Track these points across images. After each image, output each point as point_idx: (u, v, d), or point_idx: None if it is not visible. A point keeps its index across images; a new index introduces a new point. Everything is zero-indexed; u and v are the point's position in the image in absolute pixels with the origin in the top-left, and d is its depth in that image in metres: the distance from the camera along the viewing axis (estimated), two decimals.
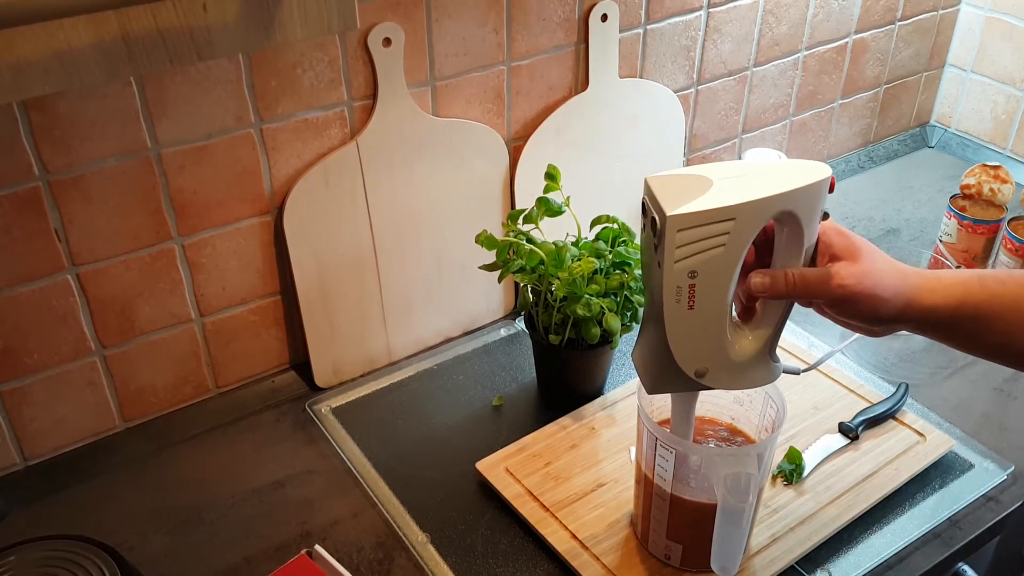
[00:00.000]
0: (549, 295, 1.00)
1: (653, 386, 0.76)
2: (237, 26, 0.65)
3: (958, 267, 1.29)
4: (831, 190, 0.70)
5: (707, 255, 0.67)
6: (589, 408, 1.06)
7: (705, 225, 0.66)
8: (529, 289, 1.03)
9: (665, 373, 0.73)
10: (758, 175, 0.69)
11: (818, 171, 0.69)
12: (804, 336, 1.19)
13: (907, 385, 1.07)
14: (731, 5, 1.26)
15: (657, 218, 0.66)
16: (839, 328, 1.14)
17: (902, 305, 0.71)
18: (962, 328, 0.73)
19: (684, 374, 0.73)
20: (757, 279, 0.71)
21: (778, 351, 0.77)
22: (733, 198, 0.66)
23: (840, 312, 0.72)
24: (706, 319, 0.70)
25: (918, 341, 1.19)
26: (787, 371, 0.77)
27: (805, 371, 0.82)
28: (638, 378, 0.80)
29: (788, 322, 0.77)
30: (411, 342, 1.17)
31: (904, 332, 1.17)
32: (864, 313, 0.71)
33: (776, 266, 0.73)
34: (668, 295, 0.68)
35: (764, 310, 0.75)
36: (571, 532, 0.90)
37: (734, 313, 0.75)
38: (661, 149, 1.26)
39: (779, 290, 0.70)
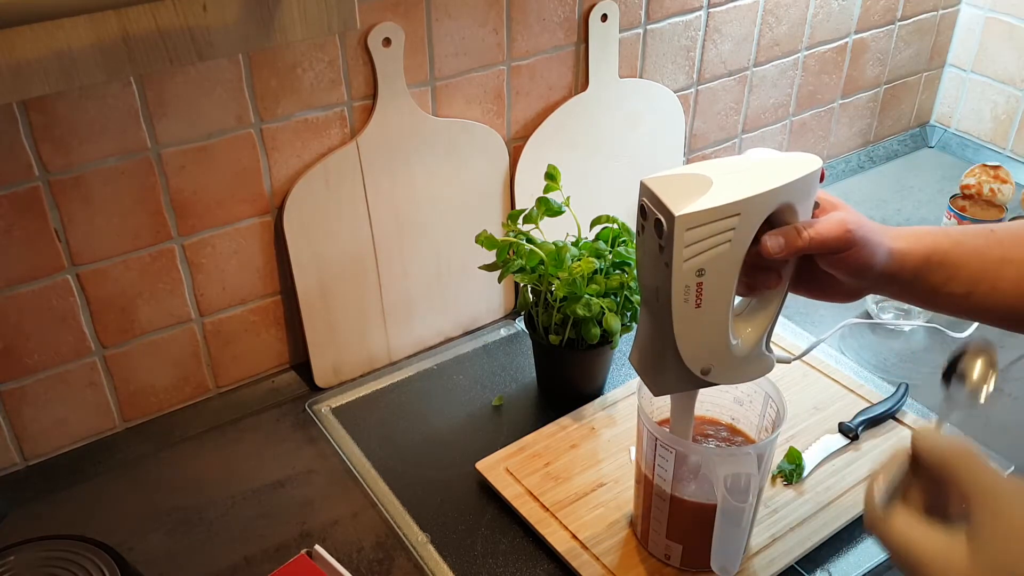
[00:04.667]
0: (549, 295, 1.00)
1: (659, 388, 0.76)
2: (237, 26, 0.65)
3: None
4: (821, 179, 0.71)
5: (714, 252, 0.67)
6: (589, 408, 1.06)
7: (712, 223, 0.66)
8: (529, 289, 1.03)
9: (671, 373, 0.73)
10: (754, 170, 0.69)
11: (809, 162, 0.70)
12: (804, 336, 1.19)
13: (907, 385, 1.07)
14: (731, 5, 1.26)
15: (663, 219, 0.66)
16: (831, 322, 1.15)
17: (886, 254, 0.72)
18: (932, 278, 0.74)
19: (690, 373, 0.73)
20: (772, 241, 0.69)
21: (774, 347, 0.78)
22: (736, 194, 0.66)
23: (838, 264, 0.72)
24: (712, 316, 0.70)
25: (918, 341, 1.19)
26: (780, 361, 0.78)
27: (796, 359, 0.83)
28: (638, 378, 0.80)
29: (782, 319, 0.77)
30: (411, 342, 1.17)
31: (904, 331, 1.17)
32: (859, 263, 0.71)
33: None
34: (676, 295, 0.68)
35: (762, 301, 0.75)
36: (571, 532, 0.90)
37: (734, 305, 0.76)
38: (661, 149, 1.26)
39: (798, 246, 0.69)
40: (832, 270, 0.73)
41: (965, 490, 0.52)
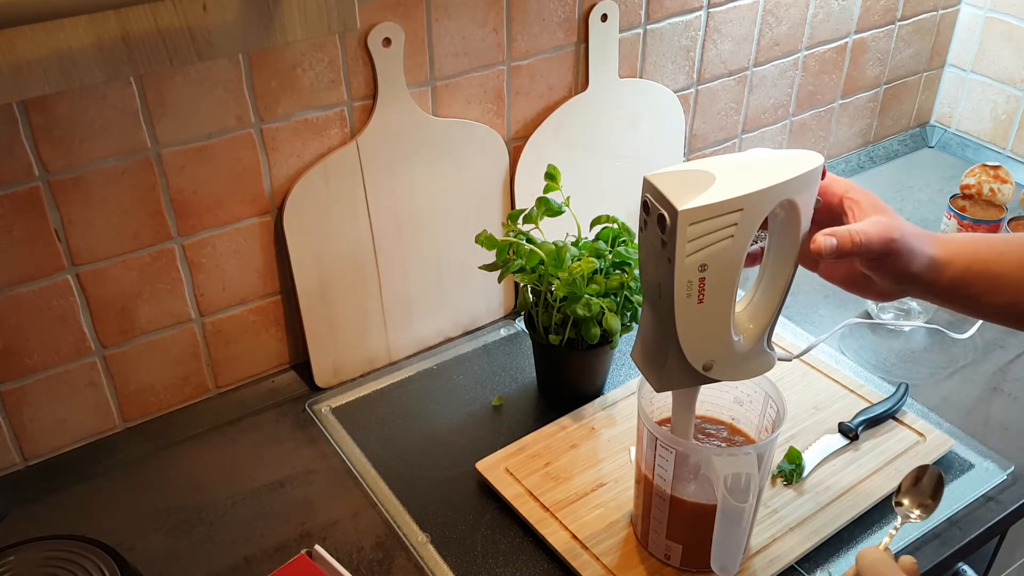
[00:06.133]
0: (549, 295, 1.00)
1: (661, 384, 0.76)
2: (237, 26, 0.65)
3: None
4: (823, 177, 0.72)
5: (717, 247, 0.67)
6: (589, 408, 1.06)
7: (715, 217, 0.66)
8: (529, 289, 1.03)
9: (673, 369, 0.73)
10: (756, 166, 0.69)
11: (811, 159, 0.70)
12: (804, 336, 1.19)
13: (907, 385, 1.07)
14: (731, 5, 1.26)
15: (666, 214, 0.66)
16: (831, 322, 1.15)
17: (926, 262, 0.72)
18: (974, 287, 0.74)
19: (692, 369, 0.73)
20: (825, 241, 0.70)
21: (774, 347, 0.78)
22: (739, 189, 0.66)
23: (879, 267, 0.72)
24: (714, 311, 0.71)
25: (918, 341, 1.19)
26: (780, 359, 0.78)
27: (796, 357, 0.84)
28: (639, 378, 0.80)
29: (782, 318, 0.77)
30: (411, 342, 1.17)
31: (904, 331, 1.17)
32: (899, 268, 0.71)
33: (771, 254, 0.74)
34: (679, 290, 0.69)
35: (764, 297, 0.76)
36: (571, 532, 0.90)
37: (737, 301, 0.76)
38: (661, 149, 1.26)
39: (847, 249, 0.70)
40: (870, 272, 0.73)
41: None
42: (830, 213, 0.75)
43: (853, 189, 0.74)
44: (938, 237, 0.75)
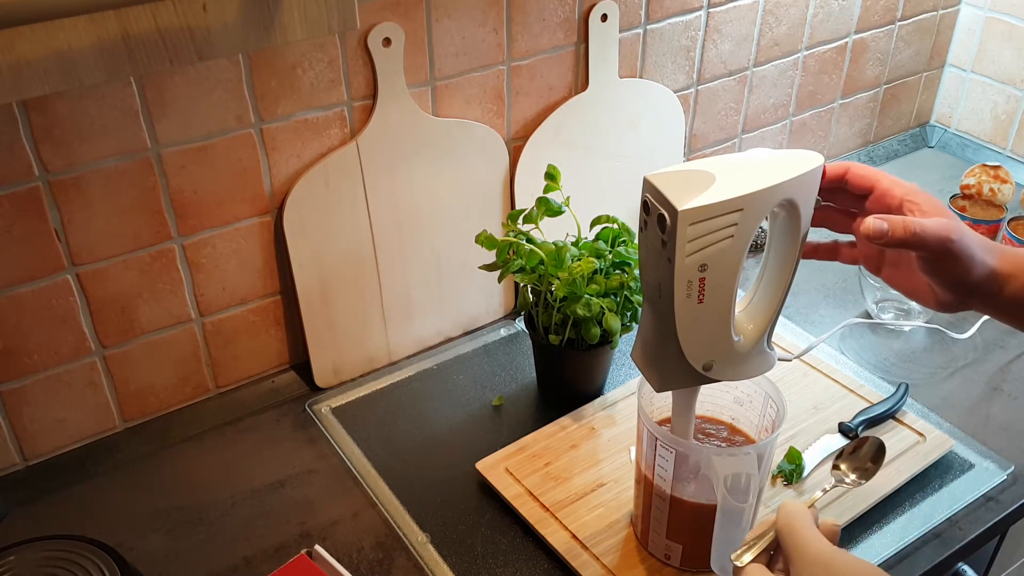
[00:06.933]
0: (549, 295, 1.00)
1: (661, 383, 0.76)
2: (237, 26, 0.65)
3: None
4: (823, 176, 0.71)
5: (717, 247, 0.67)
6: (589, 408, 1.06)
7: (715, 217, 0.66)
8: (529, 289, 1.03)
9: (673, 369, 0.74)
10: (756, 166, 0.69)
11: (811, 159, 0.70)
12: (804, 336, 1.19)
13: (907, 385, 1.07)
14: (731, 5, 1.26)
15: (666, 214, 0.66)
16: (831, 322, 1.15)
17: (986, 273, 0.70)
18: None
19: (692, 369, 0.73)
20: (875, 224, 0.68)
21: (774, 347, 0.78)
22: (739, 189, 0.66)
23: (937, 271, 0.70)
24: (714, 311, 0.71)
25: (918, 341, 1.19)
26: (780, 359, 0.79)
27: (796, 357, 0.84)
28: (639, 378, 0.80)
29: (782, 318, 0.77)
30: (411, 342, 1.17)
31: (904, 331, 1.17)
32: (957, 273, 0.69)
33: (772, 254, 0.74)
34: (679, 290, 0.69)
35: (764, 297, 0.76)
36: (571, 532, 0.90)
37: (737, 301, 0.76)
38: (661, 149, 1.26)
39: (897, 236, 0.68)
40: (929, 277, 0.71)
41: (789, 557, 0.66)
42: None
43: (914, 192, 0.72)
44: (1003, 249, 0.72)
